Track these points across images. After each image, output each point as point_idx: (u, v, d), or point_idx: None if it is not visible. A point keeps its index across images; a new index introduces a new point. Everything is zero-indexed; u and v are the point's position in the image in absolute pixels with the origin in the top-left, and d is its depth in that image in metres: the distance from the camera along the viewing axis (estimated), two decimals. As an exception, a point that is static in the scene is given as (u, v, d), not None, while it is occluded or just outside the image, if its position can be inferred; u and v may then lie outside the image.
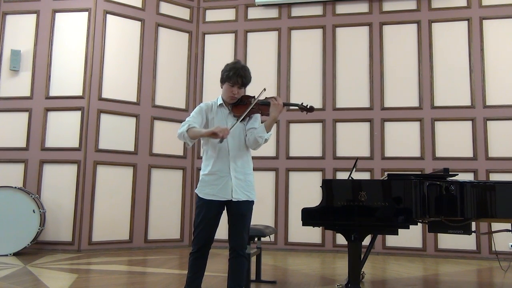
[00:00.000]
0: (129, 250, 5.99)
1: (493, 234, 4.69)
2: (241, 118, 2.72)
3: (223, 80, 2.78)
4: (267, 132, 2.74)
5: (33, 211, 5.28)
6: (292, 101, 6.45)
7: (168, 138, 6.54)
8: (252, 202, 2.78)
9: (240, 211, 2.71)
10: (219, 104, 2.81)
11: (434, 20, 6.30)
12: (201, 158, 6.54)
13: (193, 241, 2.71)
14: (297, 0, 6.62)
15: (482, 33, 6.13)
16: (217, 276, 4.18)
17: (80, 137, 5.89)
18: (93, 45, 6.06)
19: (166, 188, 6.48)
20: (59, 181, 5.83)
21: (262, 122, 2.81)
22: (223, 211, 2.78)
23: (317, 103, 6.44)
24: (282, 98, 6.35)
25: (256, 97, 2.78)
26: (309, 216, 3.35)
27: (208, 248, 2.73)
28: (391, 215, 3.26)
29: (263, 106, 2.79)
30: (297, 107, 2.87)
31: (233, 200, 2.69)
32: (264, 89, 2.80)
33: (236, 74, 2.70)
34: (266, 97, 2.84)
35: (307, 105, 2.86)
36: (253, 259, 3.82)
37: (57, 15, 6.16)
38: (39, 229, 5.28)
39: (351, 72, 6.44)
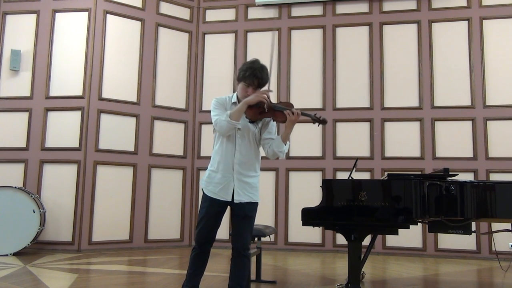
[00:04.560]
0: (129, 250, 5.98)
1: (493, 234, 4.69)
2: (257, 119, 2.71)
3: (239, 79, 2.74)
4: (284, 145, 2.71)
5: (33, 211, 5.28)
6: (292, 102, 6.46)
7: (168, 138, 6.55)
8: (256, 204, 2.75)
9: (243, 212, 2.69)
10: (233, 102, 2.77)
11: (434, 20, 6.29)
12: (201, 158, 6.64)
13: (195, 237, 2.76)
14: (297, 0, 6.62)
15: (482, 33, 6.13)
16: (217, 276, 4.18)
17: (80, 137, 5.89)
18: (93, 45, 6.06)
19: (166, 188, 6.48)
20: (59, 181, 5.83)
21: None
22: (226, 210, 2.79)
23: (317, 103, 6.45)
24: (282, 98, 6.43)
25: (271, 101, 2.71)
26: (309, 216, 3.34)
27: (210, 245, 2.76)
28: (391, 215, 3.26)
29: (277, 112, 2.70)
30: (309, 117, 2.74)
31: (235, 202, 2.68)
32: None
33: (253, 75, 2.65)
34: (280, 102, 2.76)
35: (320, 117, 2.75)
36: (253, 259, 3.81)
37: (57, 15, 6.16)
38: (39, 229, 5.28)
39: (351, 72, 6.44)
